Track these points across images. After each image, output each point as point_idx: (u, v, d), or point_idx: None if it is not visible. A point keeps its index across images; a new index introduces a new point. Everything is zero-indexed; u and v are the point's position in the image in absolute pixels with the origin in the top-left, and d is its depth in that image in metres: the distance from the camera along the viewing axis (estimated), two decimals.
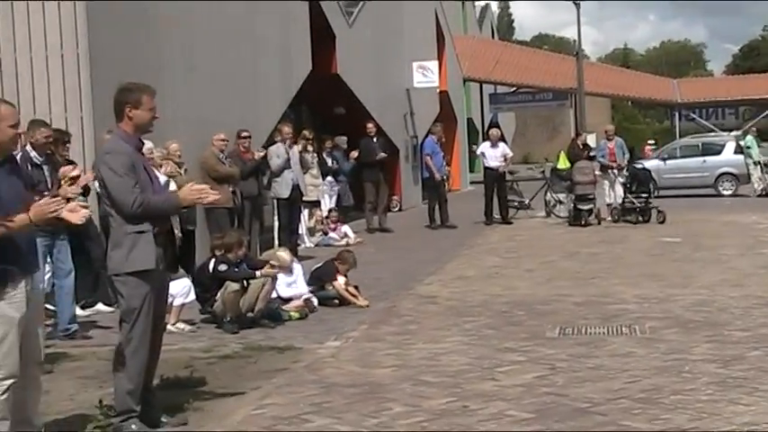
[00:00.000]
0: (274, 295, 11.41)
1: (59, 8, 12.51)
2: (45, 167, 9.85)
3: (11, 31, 12.48)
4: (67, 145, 11.22)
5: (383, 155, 21.78)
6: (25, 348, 6.14)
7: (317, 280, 12.43)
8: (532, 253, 17.40)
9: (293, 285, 11.98)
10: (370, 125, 22.21)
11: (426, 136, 24.63)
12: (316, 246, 18.91)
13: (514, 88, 52.64)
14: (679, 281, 13.45)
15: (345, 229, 20.05)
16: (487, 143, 23.30)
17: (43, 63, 12.50)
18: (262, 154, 16.06)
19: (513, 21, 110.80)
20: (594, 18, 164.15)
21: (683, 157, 32.63)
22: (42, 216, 6.00)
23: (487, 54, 49.80)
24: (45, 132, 9.94)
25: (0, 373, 6.01)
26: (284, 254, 12.36)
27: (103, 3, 12.99)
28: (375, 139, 21.94)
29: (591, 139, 30.23)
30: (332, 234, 19.62)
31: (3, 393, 6.04)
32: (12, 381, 6.08)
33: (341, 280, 12.38)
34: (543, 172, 25.76)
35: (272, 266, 11.33)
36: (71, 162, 11.06)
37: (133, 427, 6.80)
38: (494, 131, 24.04)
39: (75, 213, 6.26)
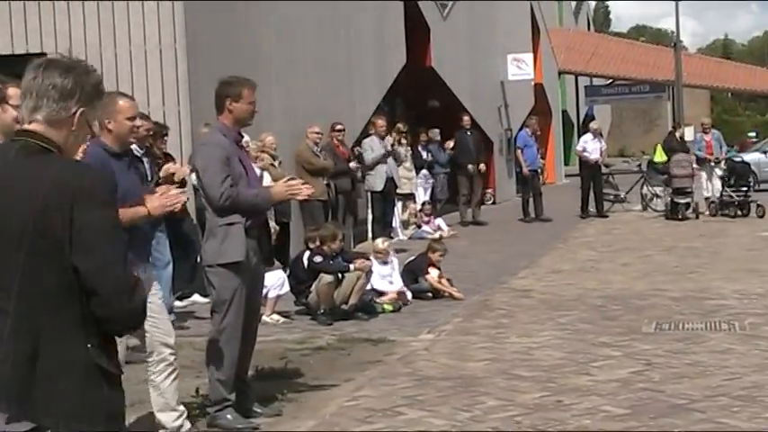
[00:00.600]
0: (369, 288, 11.45)
1: (158, 4, 12.69)
2: (145, 160, 10.00)
3: (111, 26, 12.70)
4: (165, 138, 11.38)
5: (472, 167, 21.32)
6: (151, 334, 6.27)
7: (410, 273, 12.44)
8: (629, 247, 17.19)
9: (388, 278, 12.00)
10: (465, 118, 22.07)
11: (521, 129, 24.47)
12: (409, 239, 18.93)
13: (610, 80, 52.01)
14: None
15: (439, 222, 20.03)
16: (590, 136, 23.08)
17: (142, 57, 12.70)
18: (354, 165, 15.87)
19: (609, 12, 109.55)
20: (694, 9, 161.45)
21: None
22: (162, 209, 6.09)
23: (583, 46, 49.26)
24: (146, 125, 10.07)
25: None
26: (382, 243, 12.42)
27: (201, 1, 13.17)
28: (469, 133, 21.84)
29: (689, 132, 29.77)
30: (425, 227, 19.61)
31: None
32: None
33: (434, 273, 12.37)
34: (640, 165, 25.45)
35: (367, 259, 11.37)
36: (168, 155, 11.22)
37: (228, 416, 6.88)
38: (597, 124, 23.98)
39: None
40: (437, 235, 18.64)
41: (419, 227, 19.69)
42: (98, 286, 3.15)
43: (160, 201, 6.07)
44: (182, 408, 6.51)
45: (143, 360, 6.56)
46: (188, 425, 6.51)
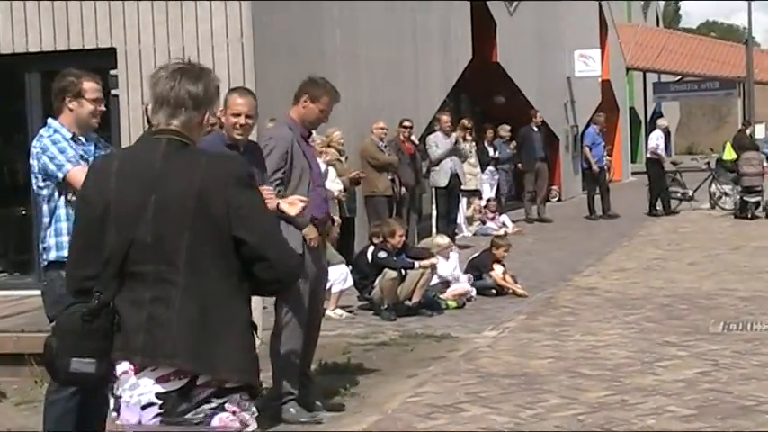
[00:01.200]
0: (435, 281, 11.39)
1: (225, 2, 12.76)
2: None
3: (179, 20, 12.81)
4: None
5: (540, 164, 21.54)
6: None
7: (474, 269, 12.41)
8: (696, 245, 16.98)
9: (451, 272, 11.96)
10: (538, 115, 21.93)
11: (588, 125, 24.28)
12: (473, 235, 18.87)
13: (679, 77, 51.42)
14: None
15: (504, 218, 19.95)
16: (660, 132, 22.89)
17: (209, 51, 12.78)
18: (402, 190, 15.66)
19: (679, 8, 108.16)
20: (767, 4, 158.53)
21: None
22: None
23: (652, 42, 48.72)
24: (211, 120, 10.17)
25: None
26: (442, 239, 12.41)
27: None
28: (536, 129, 21.70)
29: (759, 130, 29.38)
30: (490, 223, 19.54)
31: None
32: None
33: (498, 269, 12.33)
34: (708, 163, 25.14)
35: (431, 256, 11.33)
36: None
37: (291, 410, 6.91)
38: (665, 122, 23.91)
39: (294, 206, 6.31)
40: (502, 231, 18.57)
41: (483, 223, 19.63)
42: (265, 252, 3.66)
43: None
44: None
45: None
46: (255, 424, 6.51)
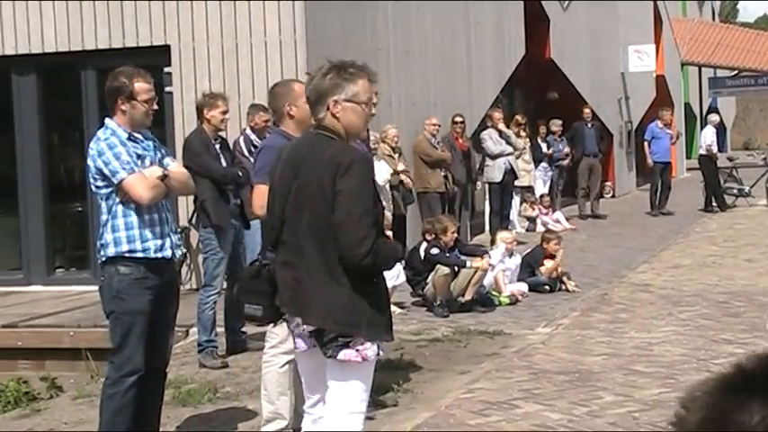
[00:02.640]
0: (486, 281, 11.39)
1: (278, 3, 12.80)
2: None
3: (232, 18, 12.89)
4: None
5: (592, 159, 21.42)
6: None
7: (527, 266, 12.35)
8: (752, 242, 16.77)
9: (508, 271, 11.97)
10: (586, 110, 21.80)
11: (642, 121, 24.03)
12: (526, 231, 18.78)
13: (735, 72, 50.82)
14: None
15: (557, 215, 19.83)
16: (712, 129, 22.61)
17: (262, 48, 12.85)
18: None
19: (737, 2, 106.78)
20: None
21: None
22: None
23: (707, 37, 48.20)
24: (264, 117, 10.21)
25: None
26: (506, 233, 12.48)
27: None
28: (590, 125, 21.56)
29: None
30: (544, 218, 19.43)
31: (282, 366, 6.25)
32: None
33: (548, 264, 12.28)
34: (765, 158, 24.83)
35: (485, 253, 11.32)
36: None
37: None
38: (716, 117, 23.66)
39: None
40: (559, 227, 18.40)
41: (536, 220, 19.52)
42: (338, 232, 4.44)
43: None
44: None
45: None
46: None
